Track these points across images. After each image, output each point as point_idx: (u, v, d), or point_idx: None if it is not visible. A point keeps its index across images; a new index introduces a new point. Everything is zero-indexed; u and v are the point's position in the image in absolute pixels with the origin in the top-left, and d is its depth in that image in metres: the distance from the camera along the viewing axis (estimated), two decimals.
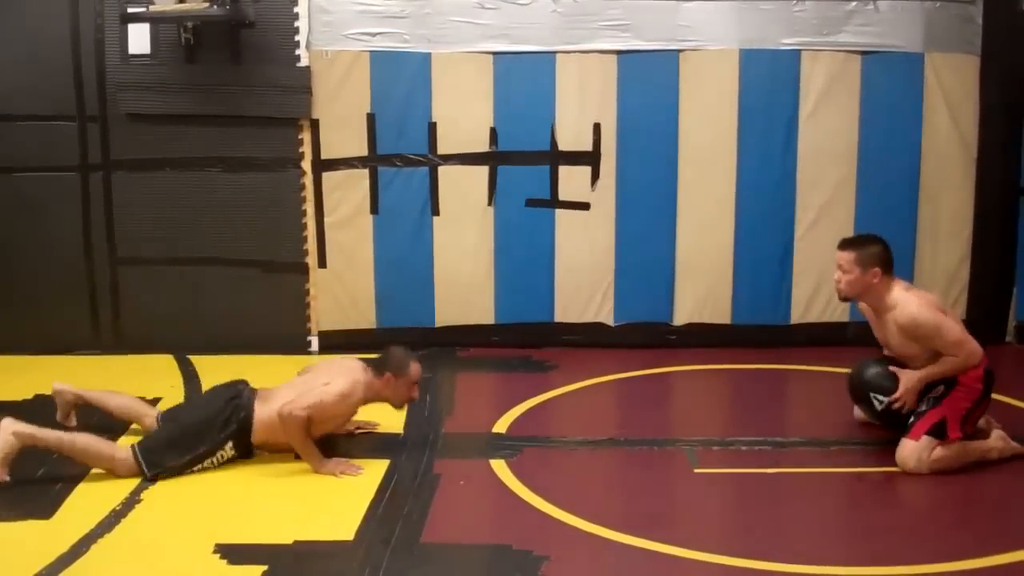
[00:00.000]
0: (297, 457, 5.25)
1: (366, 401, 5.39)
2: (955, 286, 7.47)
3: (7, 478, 4.96)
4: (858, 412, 5.83)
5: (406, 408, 5.62)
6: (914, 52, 7.18)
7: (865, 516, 4.81)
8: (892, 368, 5.35)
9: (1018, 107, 7.32)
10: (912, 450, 5.16)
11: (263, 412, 5.25)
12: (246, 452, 5.31)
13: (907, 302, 5.26)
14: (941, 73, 7.21)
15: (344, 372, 5.36)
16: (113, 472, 5.08)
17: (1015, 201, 7.42)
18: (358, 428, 5.73)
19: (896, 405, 5.29)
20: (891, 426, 5.41)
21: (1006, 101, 7.31)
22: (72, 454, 5.08)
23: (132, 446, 5.14)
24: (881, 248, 5.37)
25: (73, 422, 5.67)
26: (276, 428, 5.19)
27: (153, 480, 5.05)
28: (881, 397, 5.38)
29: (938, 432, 5.16)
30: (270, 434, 5.25)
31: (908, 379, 5.26)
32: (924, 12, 7.13)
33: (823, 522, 4.78)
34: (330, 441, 5.42)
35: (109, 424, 5.63)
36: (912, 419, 5.25)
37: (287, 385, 5.42)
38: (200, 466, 5.17)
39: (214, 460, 5.20)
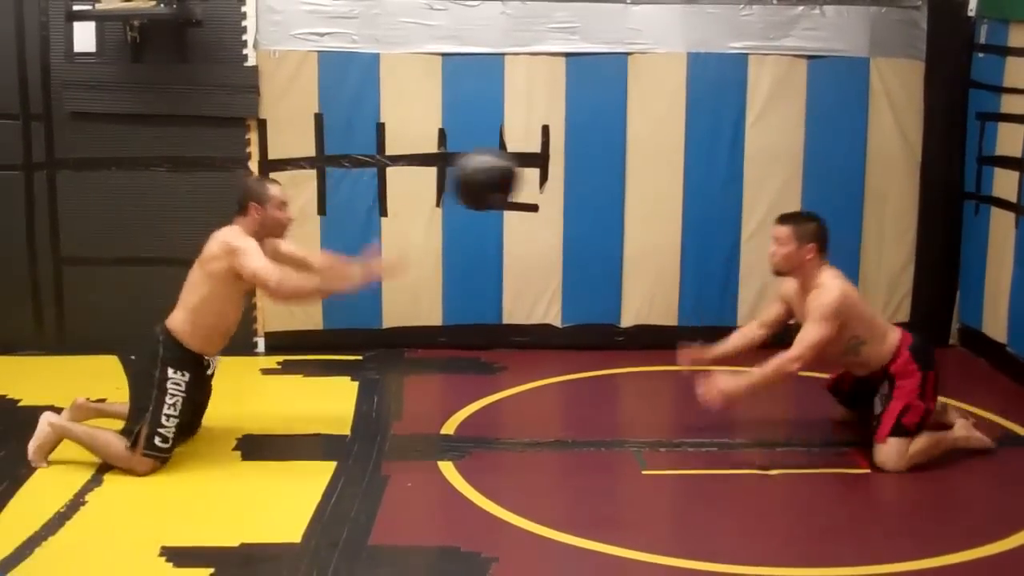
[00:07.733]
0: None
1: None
2: (899, 289, 7.55)
3: (45, 464, 5.19)
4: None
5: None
6: (859, 56, 7.25)
7: (811, 517, 4.86)
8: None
9: (962, 112, 7.40)
10: (888, 453, 5.23)
11: (175, 317, 5.28)
12: (197, 364, 5.29)
13: (831, 288, 5.29)
14: (886, 77, 7.29)
15: (226, 236, 5.23)
16: (132, 471, 5.10)
17: (959, 205, 7.50)
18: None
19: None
20: None
21: (950, 105, 7.39)
22: (94, 449, 5.21)
23: (119, 434, 5.19)
24: (817, 225, 5.43)
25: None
26: (196, 323, 5.22)
27: (162, 451, 5.12)
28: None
29: (902, 430, 5.24)
30: (195, 330, 5.24)
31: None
32: (870, 17, 7.20)
33: (770, 523, 4.81)
34: (276, 443, 5.40)
35: None
36: (874, 423, 5.33)
37: (186, 283, 5.37)
38: (172, 408, 5.13)
39: (175, 392, 5.17)
